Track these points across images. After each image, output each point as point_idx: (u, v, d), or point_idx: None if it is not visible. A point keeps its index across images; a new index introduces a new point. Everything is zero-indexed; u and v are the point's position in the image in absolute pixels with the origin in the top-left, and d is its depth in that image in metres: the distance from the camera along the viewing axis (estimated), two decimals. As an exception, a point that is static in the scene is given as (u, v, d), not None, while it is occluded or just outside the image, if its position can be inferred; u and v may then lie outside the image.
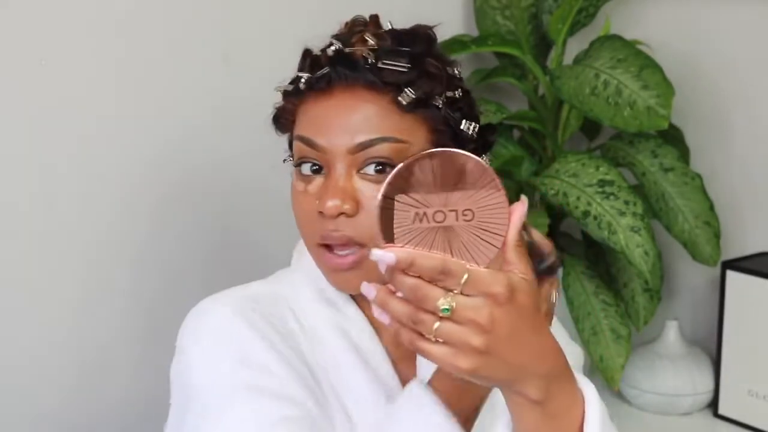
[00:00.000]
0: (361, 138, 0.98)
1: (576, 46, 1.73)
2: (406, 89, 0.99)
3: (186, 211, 1.54)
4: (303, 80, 1.02)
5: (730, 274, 1.64)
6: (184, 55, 1.51)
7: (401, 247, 0.78)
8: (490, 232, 0.80)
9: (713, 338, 1.69)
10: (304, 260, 1.10)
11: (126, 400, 1.51)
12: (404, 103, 0.99)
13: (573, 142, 1.86)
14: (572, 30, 1.71)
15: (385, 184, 0.79)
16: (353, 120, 0.99)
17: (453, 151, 0.79)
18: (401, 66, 1.00)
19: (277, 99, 1.09)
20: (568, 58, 1.73)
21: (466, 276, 0.78)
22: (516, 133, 1.80)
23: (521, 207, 0.82)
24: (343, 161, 0.99)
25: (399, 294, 0.79)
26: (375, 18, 1.08)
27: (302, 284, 1.09)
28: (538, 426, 0.86)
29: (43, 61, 1.37)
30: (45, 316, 1.42)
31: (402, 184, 0.78)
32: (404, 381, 1.05)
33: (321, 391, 1.04)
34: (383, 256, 0.78)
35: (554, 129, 1.74)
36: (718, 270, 1.67)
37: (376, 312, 0.81)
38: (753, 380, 1.63)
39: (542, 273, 0.93)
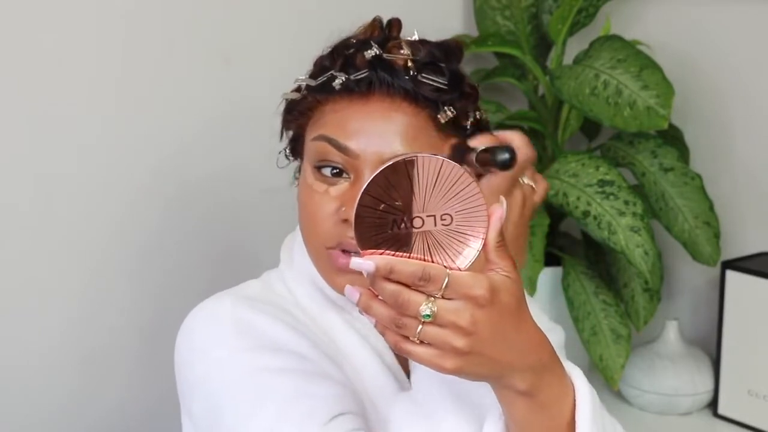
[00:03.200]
0: (397, 150, 0.97)
1: (576, 46, 1.73)
2: (446, 108, 0.99)
3: (187, 213, 1.54)
4: (341, 80, 1.00)
5: (730, 274, 1.64)
6: (184, 56, 1.51)
7: (380, 254, 0.78)
8: (470, 235, 0.80)
9: (713, 338, 1.69)
10: (298, 260, 1.09)
11: (127, 402, 1.51)
12: (443, 122, 0.99)
13: (573, 142, 1.86)
14: (572, 30, 1.71)
15: (361, 192, 0.78)
16: (390, 129, 0.98)
17: (429, 156, 0.79)
18: (441, 83, 0.99)
19: (279, 97, 1.08)
20: (568, 58, 1.73)
21: (446, 280, 0.78)
22: (516, 133, 1.80)
23: (500, 209, 0.82)
24: (372, 169, 0.97)
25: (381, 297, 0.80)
26: (398, 23, 1.07)
27: (300, 284, 1.09)
28: (529, 416, 0.86)
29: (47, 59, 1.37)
30: (46, 317, 1.42)
31: (378, 191, 0.78)
32: (405, 371, 1.06)
33: (345, 374, 1.04)
34: (362, 264, 0.78)
35: (554, 129, 1.74)
36: (718, 270, 1.67)
37: (362, 313, 0.82)
38: (753, 380, 1.63)
39: (500, 166, 0.90)
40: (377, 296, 0.80)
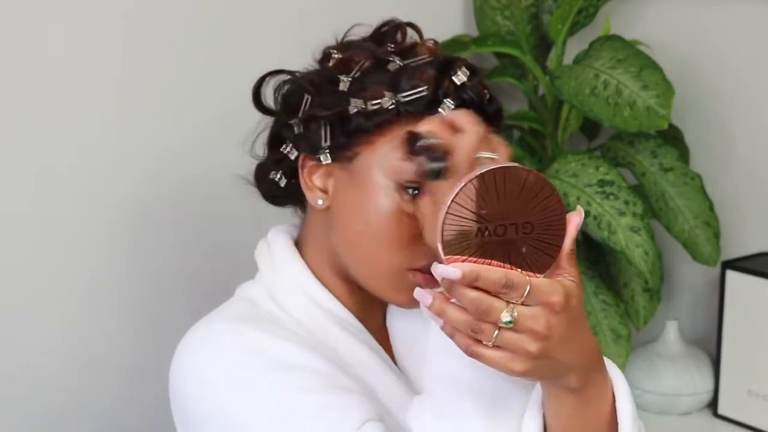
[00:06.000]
0: None
1: (576, 46, 1.73)
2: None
3: (187, 213, 1.54)
4: (450, 105, 0.98)
5: (730, 274, 1.64)
6: (184, 56, 1.51)
7: (463, 260, 0.80)
8: (549, 243, 0.83)
9: (713, 338, 1.69)
10: (286, 270, 1.07)
11: (126, 402, 1.51)
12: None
13: (573, 142, 1.86)
14: (572, 30, 1.71)
15: (450, 200, 0.80)
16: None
17: (514, 166, 0.81)
18: (498, 102, 1.02)
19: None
20: (568, 58, 1.73)
21: (528, 288, 0.80)
22: (516, 133, 1.80)
23: (577, 217, 0.84)
24: None
25: (453, 300, 0.81)
26: (409, 26, 1.08)
27: (290, 296, 1.06)
28: (574, 412, 0.89)
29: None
30: (46, 317, 1.42)
31: (467, 200, 0.80)
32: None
33: (353, 379, 1.03)
34: (446, 271, 0.79)
35: (554, 129, 1.74)
36: (718, 270, 1.67)
37: (426, 313, 0.83)
38: (753, 380, 1.63)
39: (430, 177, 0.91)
40: (449, 299, 0.81)
